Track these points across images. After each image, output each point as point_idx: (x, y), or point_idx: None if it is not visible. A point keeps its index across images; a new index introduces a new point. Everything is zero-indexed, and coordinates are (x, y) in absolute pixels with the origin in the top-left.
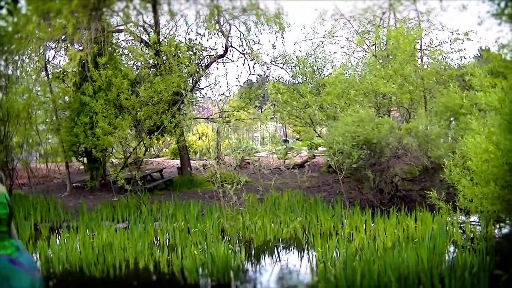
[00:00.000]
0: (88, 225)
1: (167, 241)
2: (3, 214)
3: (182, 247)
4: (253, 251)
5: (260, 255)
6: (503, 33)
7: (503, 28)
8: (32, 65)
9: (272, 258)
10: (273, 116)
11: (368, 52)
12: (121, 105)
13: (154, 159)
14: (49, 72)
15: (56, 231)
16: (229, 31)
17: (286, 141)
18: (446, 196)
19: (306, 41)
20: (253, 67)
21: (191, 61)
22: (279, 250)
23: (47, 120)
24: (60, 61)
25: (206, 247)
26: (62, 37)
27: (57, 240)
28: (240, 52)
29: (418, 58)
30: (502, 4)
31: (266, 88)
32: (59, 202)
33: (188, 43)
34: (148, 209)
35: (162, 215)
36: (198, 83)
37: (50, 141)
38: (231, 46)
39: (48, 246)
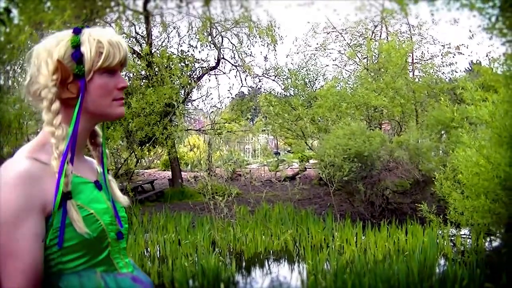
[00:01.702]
0: None
1: (158, 252)
2: (125, 229)
3: (173, 259)
4: (243, 263)
5: (250, 267)
6: (494, 47)
7: (494, 42)
8: (24, 75)
9: (263, 270)
10: (264, 128)
11: (359, 65)
12: None
13: (145, 171)
14: None
15: None
16: (221, 43)
17: (277, 153)
18: (437, 209)
19: (298, 53)
20: (245, 79)
21: (183, 73)
22: (269, 262)
23: (38, 130)
24: None
25: (196, 259)
26: None
27: None
28: (232, 64)
29: (409, 72)
30: (493, 19)
31: (257, 100)
32: None
33: (180, 55)
34: (139, 221)
35: (153, 227)
36: (190, 94)
37: None
38: (223, 58)
39: None
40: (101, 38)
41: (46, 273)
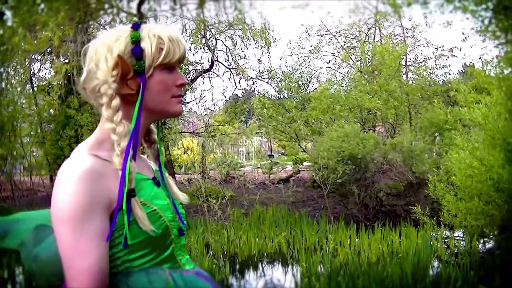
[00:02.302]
0: None
1: None
2: (185, 226)
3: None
4: (237, 266)
5: (244, 270)
6: (487, 50)
7: (487, 44)
8: (17, 78)
9: (257, 272)
10: (258, 131)
11: (353, 68)
12: None
13: None
14: (34, 85)
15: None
16: (215, 45)
17: (271, 155)
18: (430, 211)
19: (292, 56)
20: (239, 82)
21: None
22: (263, 265)
23: (31, 133)
24: (45, 73)
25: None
26: (48, 50)
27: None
28: (226, 67)
29: (403, 74)
30: (486, 21)
31: (251, 103)
32: None
33: None
34: None
35: None
36: (184, 97)
37: (34, 154)
38: (217, 60)
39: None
40: (162, 34)
41: (113, 272)
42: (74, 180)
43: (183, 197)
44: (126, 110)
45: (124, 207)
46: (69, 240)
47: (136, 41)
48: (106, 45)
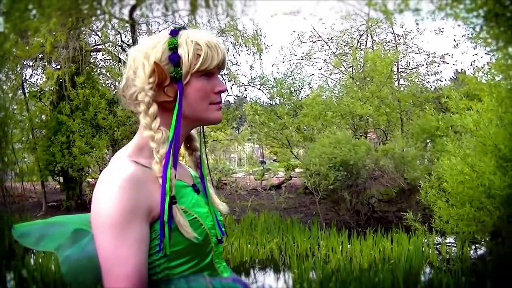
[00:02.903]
0: None
1: None
2: (223, 234)
3: None
4: None
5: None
6: (478, 56)
7: (478, 51)
8: (8, 83)
9: (249, 279)
10: (250, 137)
11: (345, 74)
12: (98, 124)
13: None
14: (26, 91)
15: (31, 251)
16: None
17: (263, 162)
18: (422, 218)
19: (283, 62)
20: (231, 88)
21: None
22: (255, 271)
23: (23, 138)
24: (37, 79)
25: None
26: (40, 56)
27: (32, 260)
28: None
29: (395, 81)
30: (477, 28)
31: (243, 109)
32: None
33: None
34: None
35: None
36: None
37: (26, 159)
38: None
39: (23, 266)
40: (199, 40)
41: (153, 279)
42: (117, 186)
43: (222, 207)
44: (165, 118)
45: (165, 216)
46: (110, 246)
47: (173, 48)
48: (143, 52)
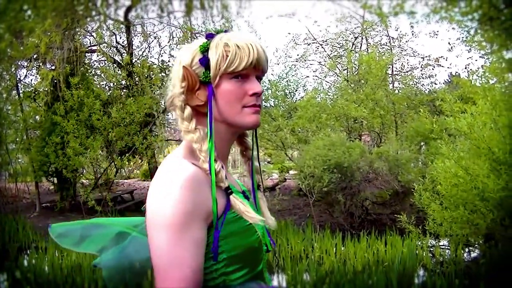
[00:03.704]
0: (57, 246)
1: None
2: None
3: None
4: None
5: None
6: (472, 60)
7: (472, 54)
8: (3, 84)
9: None
10: None
11: (340, 76)
12: (92, 125)
13: (125, 181)
14: (20, 91)
15: (25, 252)
16: None
17: None
18: (416, 220)
19: (278, 64)
20: None
21: (164, 83)
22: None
23: (17, 139)
24: (31, 80)
25: None
26: (34, 56)
27: (25, 261)
28: None
29: (389, 83)
30: (472, 32)
31: None
32: (28, 223)
33: (161, 65)
34: None
35: None
36: None
37: (20, 160)
38: None
39: (16, 267)
40: (229, 41)
41: (210, 285)
42: (178, 186)
43: (272, 221)
44: (201, 122)
45: (214, 207)
46: (166, 246)
47: (204, 51)
48: (179, 57)
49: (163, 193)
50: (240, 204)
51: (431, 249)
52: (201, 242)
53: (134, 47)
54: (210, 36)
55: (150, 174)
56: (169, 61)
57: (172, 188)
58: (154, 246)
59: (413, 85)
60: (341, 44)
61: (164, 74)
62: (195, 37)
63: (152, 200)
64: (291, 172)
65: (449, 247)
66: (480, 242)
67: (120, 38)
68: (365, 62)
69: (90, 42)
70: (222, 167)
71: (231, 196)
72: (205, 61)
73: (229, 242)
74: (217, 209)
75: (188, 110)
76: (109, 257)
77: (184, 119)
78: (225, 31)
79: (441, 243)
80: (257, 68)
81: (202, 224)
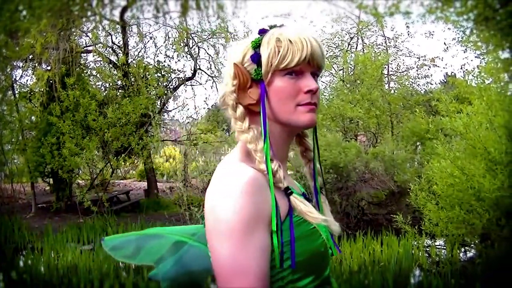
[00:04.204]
0: (53, 246)
1: (133, 264)
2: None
3: (148, 270)
4: None
5: None
6: (468, 60)
7: (468, 55)
8: None
9: None
10: None
11: (335, 77)
12: (88, 126)
13: (121, 181)
14: (16, 92)
15: (21, 253)
16: (198, 53)
17: None
18: (412, 220)
19: None
20: None
21: (160, 83)
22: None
23: (13, 140)
24: (27, 80)
25: None
26: (30, 57)
27: (21, 261)
28: (209, 75)
29: (385, 83)
30: (467, 32)
31: None
32: (24, 223)
33: (156, 65)
34: (114, 231)
35: None
36: (166, 105)
37: (15, 161)
38: (199, 68)
39: (12, 267)
40: (282, 36)
41: None
42: (239, 190)
43: (335, 226)
44: (255, 121)
45: (273, 205)
46: (230, 255)
47: (256, 47)
48: (231, 54)
49: (223, 200)
50: (301, 204)
51: (427, 249)
52: (265, 248)
53: (129, 48)
54: (262, 31)
55: (146, 174)
56: (164, 61)
57: (232, 194)
58: (217, 255)
59: (409, 85)
60: (337, 44)
61: (160, 75)
62: (190, 37)
63: (212, 207)
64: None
65: (445, 247)
66: (476, 242)
67: (116, 38)
68: (361, 62)
69: (85, 43)
70: (280, 166)
71: (291, 197)
72: (256, 58)
73: (295, 247)
74: (280, 212)
75: (240, 109)
76: (167, 268)
77: (237, 118)
78: (280, 26)
79: (437, 243)
80: (311, 64)
81: (265, 230)
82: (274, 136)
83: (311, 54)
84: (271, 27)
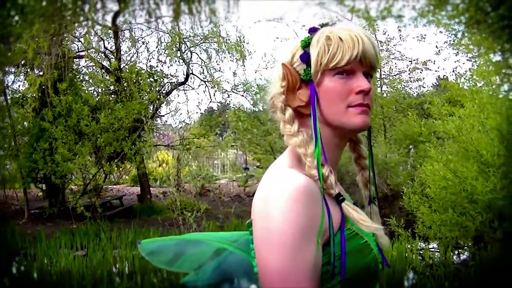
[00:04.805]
0: (46, 252)
1: (127, 268)
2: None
3: (142, 275)
4: None
5: None
6: (460, 63)
7: (460, 58)
8: None
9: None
10: (233, 144)
11: None
12: (81, 131)
13: (114, 186)
14: (8, 97)
15: (14, 259)
16: (190, 58)
17: (246, 168)
18: (405, 223)
19: (267, 68)
20: (214, 95)
21: (152, 88)
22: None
23: (5, 145)
24: (19, 86)
25: (166, 275)
26: (22, 62)
27: (14, 267)
28: (201, 80)
29: (377, 87)
30: (459, 35)
31: (226, 116)
32: (17, 229)
33: (149, 70)
34: (108, 237)
35: (122, 243)
36: (159, 110)
37: (8, 167)
38: (192, 73)
39: (5, 273)
40: (332, 34)
41: None
42: (291, 199)
43: (384, 240)
44: (305, 124)
45: (322, 220)
46: (279, 268)
47: (306, 46)
48: (280, 54)
49: (273, 209)
50: (353, 212)
51: (421, 251)
52: (316, 262)
53: (122, 53)
54: (313, 30)
55: (139, 179)
56: (157, 66)
57: (283, 203)
58: (265, 267)
59: (401, 89)
60: None
61: (152, 80)
62: (183, 42)
63: (261, 216)
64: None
65: (438, 250)
66: (469, 244)
67: (108, 43)
68: None
69: (78, 48)
70: (331, 172)
71: (343, 204)
72: (305, 57)
73: (346, 261)
74: (332, 223)
75: (289, 111)
76: (206, 276)
77: (286, 121)
78: (327, 25)
79: (430, 246)
80: (363, 63)
81: (317, 241)
82: (324, 139)
83: (362, 52)
84: (322, 25)
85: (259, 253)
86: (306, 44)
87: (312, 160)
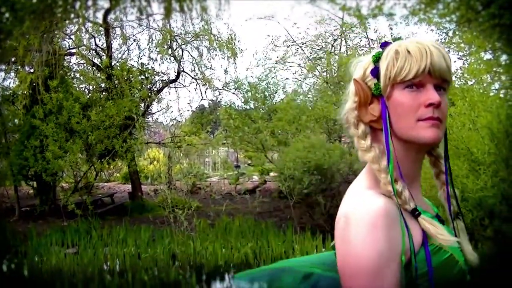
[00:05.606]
0: (37, 250)
1: (118, 266)
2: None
3: (133, 273)
4: (204, 277)
5: (211, 281)
6: (451, 62)
7: (451, 56)
8: None
9: (223, 283)
10: (224, 142)
11: (319, 79)
12: (72, 128)
13: (105, 184)
14: None
15: (4, 256)
16: (182, 56)
17: (237, 166)
18: None
19: (258, 66)
20: (205, 92)
21: (143, 86)
22: (230, 275)
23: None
24: (10, 83)
25: (156, 273)
26: (13, 59)
27: (5, 265)
28: (192, 77)
29: None
30: (450, 33)
31: (218, 114)
32: (7, 227)
33: (140, 68)
34: (99, 234)
35: (113, 240)
36: (150, 107)
37: None
38: (183, 71)
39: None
40: (400, 47)
41: None
42: (370, 224)
43: (472, 257)
44: (377, 139)
45: (402, 225)
46: None
47: (377, 61)
48: (354, 70)
49: (353, 234)
50: (429, 226)
51: None
52: (399, 284)
53: (113, 50)
54: (384, 45)
55: (130, 177)
56: (148, 63)
57: (363, 227)
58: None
59: None
60: (321, 46)
61: (143, 77)
62: (174, 39)
63: (342, 241)
64: (272, 174)
65: None
66: None
67: (99, 40)
68: (344, 64)
69: (69, 45)
70: (405, 187)
71: (419, 219)
72: (375, 72)
73: (424, 279)
74: (413, 243)
75: (362, 126)
76: None
77: (359, 137)
78: (400, 39)
79: None
80: (433, 76)
81: (399, 265)
82: (398, 154)
83: (431, 64)
84: (395, 39)
85: (345, 281)
86: (377, 59)
87: (386, 176)
